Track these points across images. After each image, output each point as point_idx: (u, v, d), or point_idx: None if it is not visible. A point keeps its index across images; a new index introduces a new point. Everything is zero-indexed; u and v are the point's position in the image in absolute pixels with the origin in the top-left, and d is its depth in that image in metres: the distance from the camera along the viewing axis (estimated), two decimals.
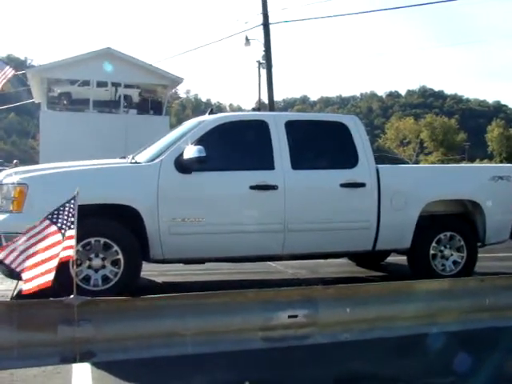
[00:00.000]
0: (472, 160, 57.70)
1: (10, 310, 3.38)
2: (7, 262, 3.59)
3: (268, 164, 6.02)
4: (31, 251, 3.58)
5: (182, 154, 5.72)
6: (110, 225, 5.53)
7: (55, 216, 3.55)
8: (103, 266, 5.45)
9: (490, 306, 4.37)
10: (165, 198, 5.65)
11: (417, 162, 55.61)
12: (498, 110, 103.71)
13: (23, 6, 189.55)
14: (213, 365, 3.80)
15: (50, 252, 3.52)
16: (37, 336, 3.30)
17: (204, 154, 5.58)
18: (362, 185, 6.23)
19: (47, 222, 3.59)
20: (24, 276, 3.56)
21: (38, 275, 3.45)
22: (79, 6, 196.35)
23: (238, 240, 5.89)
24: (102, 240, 5.42)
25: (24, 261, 3.57)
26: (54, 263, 3.50)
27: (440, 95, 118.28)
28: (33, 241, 3.59)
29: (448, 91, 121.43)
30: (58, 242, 3.52)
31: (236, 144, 6.23)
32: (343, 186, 6.16)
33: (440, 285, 4.56)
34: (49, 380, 3.54)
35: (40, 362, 3.38)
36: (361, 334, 3.90)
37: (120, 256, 5.46)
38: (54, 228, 3.53)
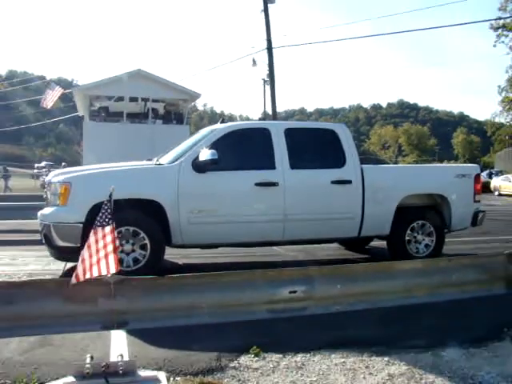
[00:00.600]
0: (441, 161, 57.62)
1: (60, 286, 3.41)
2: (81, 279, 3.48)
3: (270, 164, 6.04)
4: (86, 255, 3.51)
5: (198, 157, 5.75)
6: (138, 216, 5.55)
7: (98, 221, 3.49)
8: (133, 250, 5.50)
9: (456, 281, 4.38)
10: (184, 194, 5.68)
11: (396, 163, 55.46)
12: (461, 119, 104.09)
13: (69, 36, 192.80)
14: (226, 332, 3.84)
15: (97, 248, 3.46)
16: (82, 308, 3.33)
17: (216, 157, 5.62)
18: (349, 182, 6.25)
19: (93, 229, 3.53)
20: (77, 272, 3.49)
21: (86, 269, 3.41)
22: (115, 35, 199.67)
23: (245, 228, 5.92)
24: (131, 228, 5.46)
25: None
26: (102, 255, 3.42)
27: (415, 107, 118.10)
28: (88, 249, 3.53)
29: (421, 104, 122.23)
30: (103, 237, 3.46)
31: (243, 148, 6.24)
32: (333, 182, 6.18)
33: (415, 264, 4.56)
34: (93, 343, 3.61)
35: (85, 329, 3.41)
36: (349, 306, 3.90)
37: (146, 241, 5.50)
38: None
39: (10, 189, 25.29)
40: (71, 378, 3.03)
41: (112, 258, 3.34)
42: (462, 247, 8.01)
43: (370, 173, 6.42)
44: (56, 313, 3.26)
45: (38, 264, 6.55)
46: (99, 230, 3.37)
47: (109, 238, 3.37)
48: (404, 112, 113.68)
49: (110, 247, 3.37)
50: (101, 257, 3.34)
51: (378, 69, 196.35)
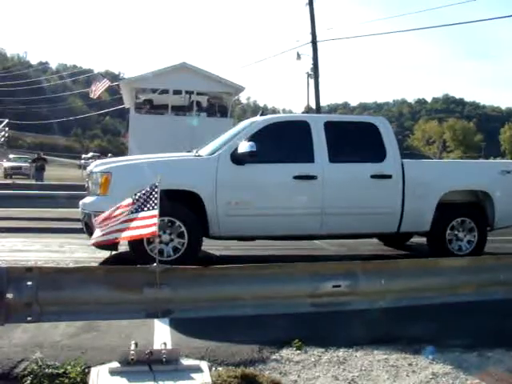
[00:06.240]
0: (487, 157, 55.07)
1: (107, 273, 3.43)
2: (98, 227, 3.62)
3: (309, 157, 5.93)
4: (113, 221, 3.58)
5: (236, 149, 5.70)
6: (174, 206, 5.45)
7: (137, 198, 3.53)
8: (171, 240, 5.50)
9: (504, 280, 4.19)
10: (222, 186, 5.64)
11: (440, 159, 53.56)
12: (509, 114, 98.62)
13: (117, 30, 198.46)
14: (268, 324, 3.79)
15: (125, 224, 3.50)
16: (127, 296, 3.32)
17: (255, 149, 5.56)
18: (389, 176, 6.07)
19: (130, 201, 3.57)
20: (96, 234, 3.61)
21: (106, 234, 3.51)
22: (161, 28, 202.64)
23: (282, 221, 5.85)
24: (166, 218, 5.37)
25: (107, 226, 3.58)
26: (126, 234, 3.47)
27: (460, 102, 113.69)
28: (116, 214, 3.59)
29: (467, 99, 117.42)
30: (135, 219, 3.48)
31: (282, 141, 6.15)
32: (373, 177, 6.02)
33: (461, 262, 4.38)
34: (138, 329, 3.65)
35: (130, 316, 3.41)
36: (393, 302, 3.78)
37: (183, 229, 5.47)
38: (133, 206, 3.51)
39: (39, 179, 21.74)
40: (116, 364, 3.05)
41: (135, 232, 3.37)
42: (507, 246, 7.69)
43: (410, 167, 6.21)
44: (102, 300, 3.27)
45: (84, 252, 6.65)
46: (146, 212, 3.39)
47: (152, 221, 3.38)
48: (450, 107, 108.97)
49: (149, 230, 3.39)
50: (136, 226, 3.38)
51: (423, 63, 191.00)
